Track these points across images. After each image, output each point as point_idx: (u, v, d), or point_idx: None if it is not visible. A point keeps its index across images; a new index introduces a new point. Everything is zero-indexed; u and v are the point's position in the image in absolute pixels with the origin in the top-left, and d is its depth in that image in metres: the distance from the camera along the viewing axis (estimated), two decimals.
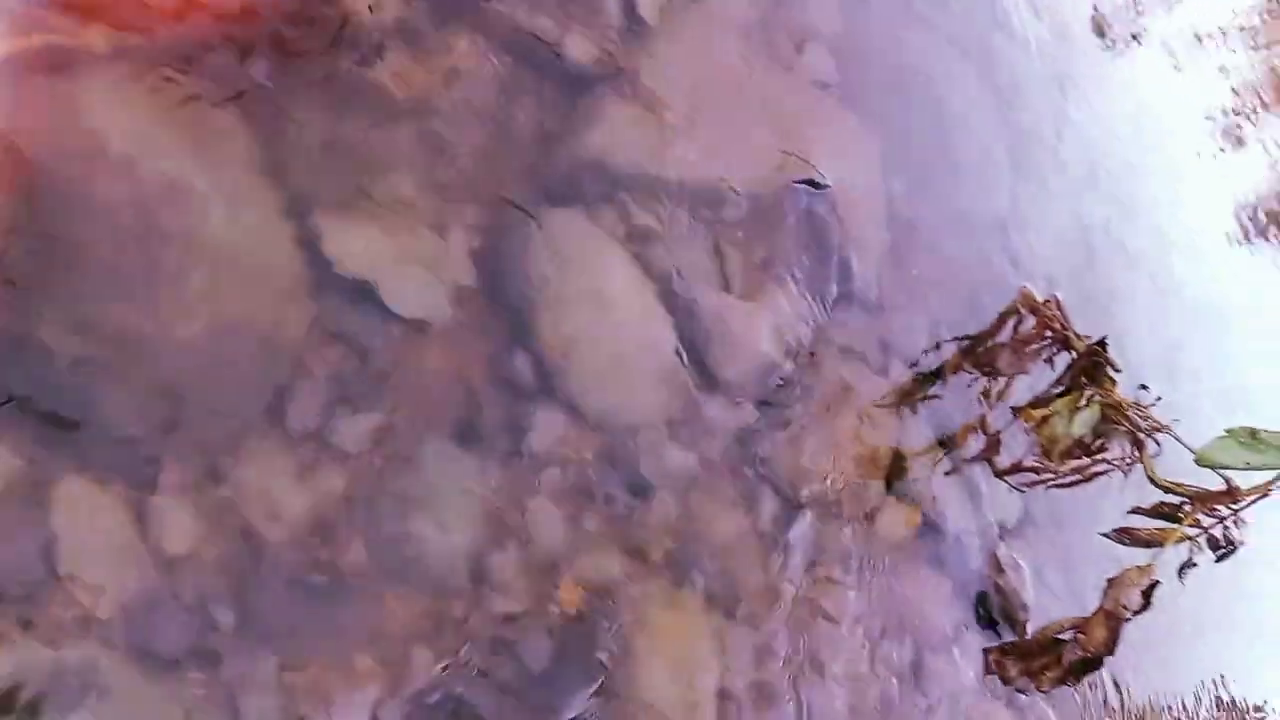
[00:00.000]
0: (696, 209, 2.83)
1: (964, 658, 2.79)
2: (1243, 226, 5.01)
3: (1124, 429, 2.63)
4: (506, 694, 2.22)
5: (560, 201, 2.62)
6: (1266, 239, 5.09)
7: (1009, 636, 2.83)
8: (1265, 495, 2.29)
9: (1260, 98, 5.80)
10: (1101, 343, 2.79)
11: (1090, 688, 3.11)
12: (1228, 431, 2.23)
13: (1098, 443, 2.68)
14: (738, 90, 3.12)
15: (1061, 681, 2.32)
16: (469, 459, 2.36)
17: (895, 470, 2.92)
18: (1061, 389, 2.78)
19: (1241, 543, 2.50)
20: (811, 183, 3.01)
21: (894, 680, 2.66)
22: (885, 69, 3.58)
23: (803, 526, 2.67)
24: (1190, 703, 3.60)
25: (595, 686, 2.29)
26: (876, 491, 2.86)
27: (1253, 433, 2.19)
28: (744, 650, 2.48)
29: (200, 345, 2.18)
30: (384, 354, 2.35)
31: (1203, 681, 3.70)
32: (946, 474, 2.99)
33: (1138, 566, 2.31)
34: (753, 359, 2.73)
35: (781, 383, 2.78)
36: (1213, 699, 3.69)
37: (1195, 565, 2.51)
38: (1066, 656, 2.26)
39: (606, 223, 2.66)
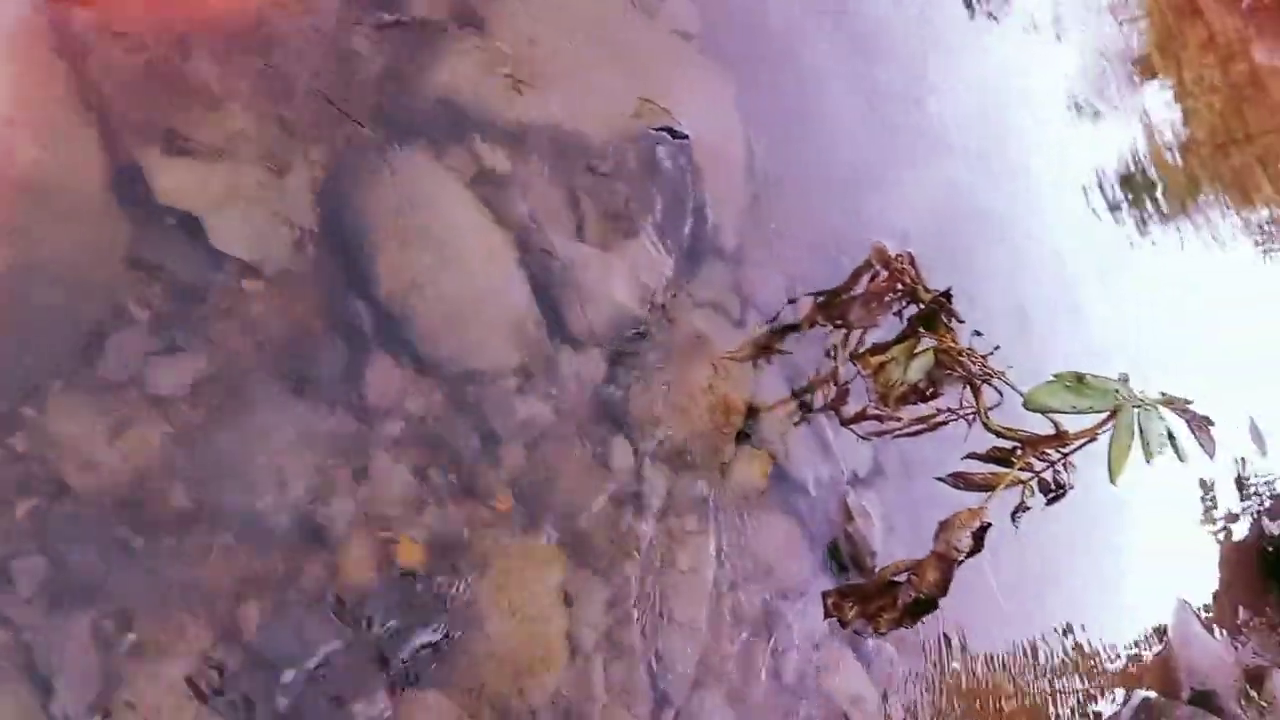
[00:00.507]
0: (552, 155, 2.76)
1: (815, 605, 2.82)
2: (1101, 194, 5.20)
3: (958, 374, 2.68)
4: (345, 650, 2.14)
5: (405, 139, 2.51)
6: (1120, 207, 5.30)
7: None
8: (1093, 440, 2.36)
9: (1119, 71, 6.03)
10: (946, 294, 2.83)
11: (944, 645, 3.20)
12: (1055, 376, 2.29)
13: (932, 389, 2.72)
14: (597, 36, 3.05)
15: (898, 623, 2.36)
16: (303, 408, 2.25)
17: (749, 421, 2.92)
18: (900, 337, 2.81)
19: (1070, 486, 2.58)
20: (670, 131, 2.97)
21: (746, 629, 2.67)
22: (748, 22, 3.56)
23: (656, 477, 2.65)
24: (1043, 650, 3.74)
25: (438, 639, 2.22)
26: (730, 442, 2.86)
27: (1079, 377, 2.25)
28: (595, 601, 2.45)
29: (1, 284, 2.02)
30: (211, 296, 2.22)
31: (1055, 628, 3.85)
32: (796, 424, 3.00)
33: (969, 509, 2.36)
34: (608, 309, 2.69)
35: (637, 333, 2.74)
36: (1067, 645, 3.83)
37: (1028, 509, 2.58)
38: (901, 598, 2.30)
39: (454, 163, 2.57)
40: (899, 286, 2.94)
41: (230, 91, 2.39)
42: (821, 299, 3.23)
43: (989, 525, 2.38)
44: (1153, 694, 3.74)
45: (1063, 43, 5.67)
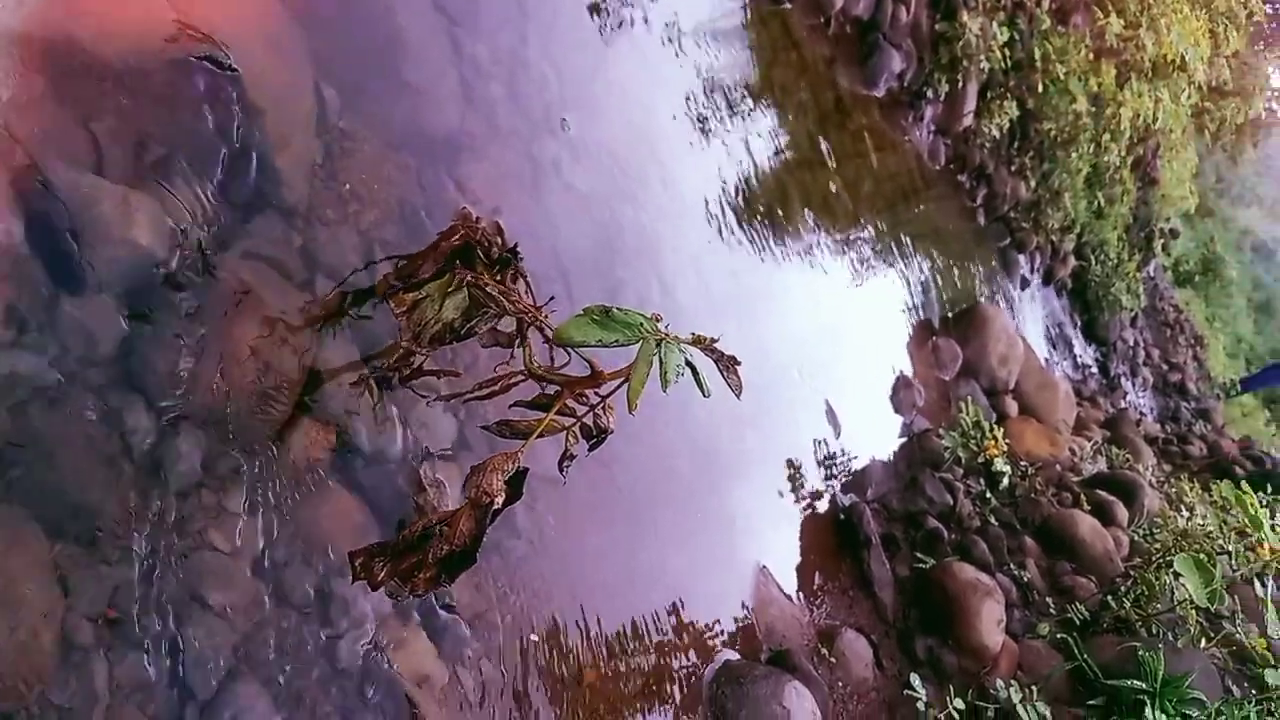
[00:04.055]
0: (59, 71, 2.35)
1: None
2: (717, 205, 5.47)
3: (493, 312, 2.60)
4: None
5: None
6: (727, 214, 5.60)
7: None
8: (627, 380, 2.30)
9: (730, 97, 6.41)
10: (513, 249, 2.74)
11: (528, 618, 3.10)
12: (585, 309, 2.24)
13: (467, 326, 2.62)
14: None
15: (436, 582, 2.20)
16: None
17: (311, 390, 2.66)
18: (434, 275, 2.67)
19: (610, 430, 2.55)
20: (214, 62, 2.64)
21: (294, 612, 2.39)
22: None
23: (186, 446, 2.31)
24: (652, 624, 3.75)
25: None
26: (286, 411, 2.57)
27: (606, 310, 2.22)
28: (96, 586, 2.07)
29: None
30: None
31: (654, 603, 3.88)
32: (365, 394, 2.78)
33: (502, 453, 2.26)
34: (126, 253, 2.31)
35: (165, 283, 2.39)
36: (665, 615, 3.87)
37: (574, 456, 2.53)
38: (433, 553, 2.14)
39: None
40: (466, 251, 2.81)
41: None
42: (400, 264, 3.04)
43: (525, 470, 2.29)
44: (736, 655, 3.88)
45: (682, 58, 5.91)
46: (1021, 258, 14.00)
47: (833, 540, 5.14)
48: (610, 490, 3.63)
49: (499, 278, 2.65)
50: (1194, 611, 4.97)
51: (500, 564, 3.01)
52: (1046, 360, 13.60)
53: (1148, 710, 4.74)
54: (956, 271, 10.59)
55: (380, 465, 2.76)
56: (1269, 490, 9.84)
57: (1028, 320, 13.49)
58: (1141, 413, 17.67)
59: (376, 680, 2.49)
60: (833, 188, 7.82)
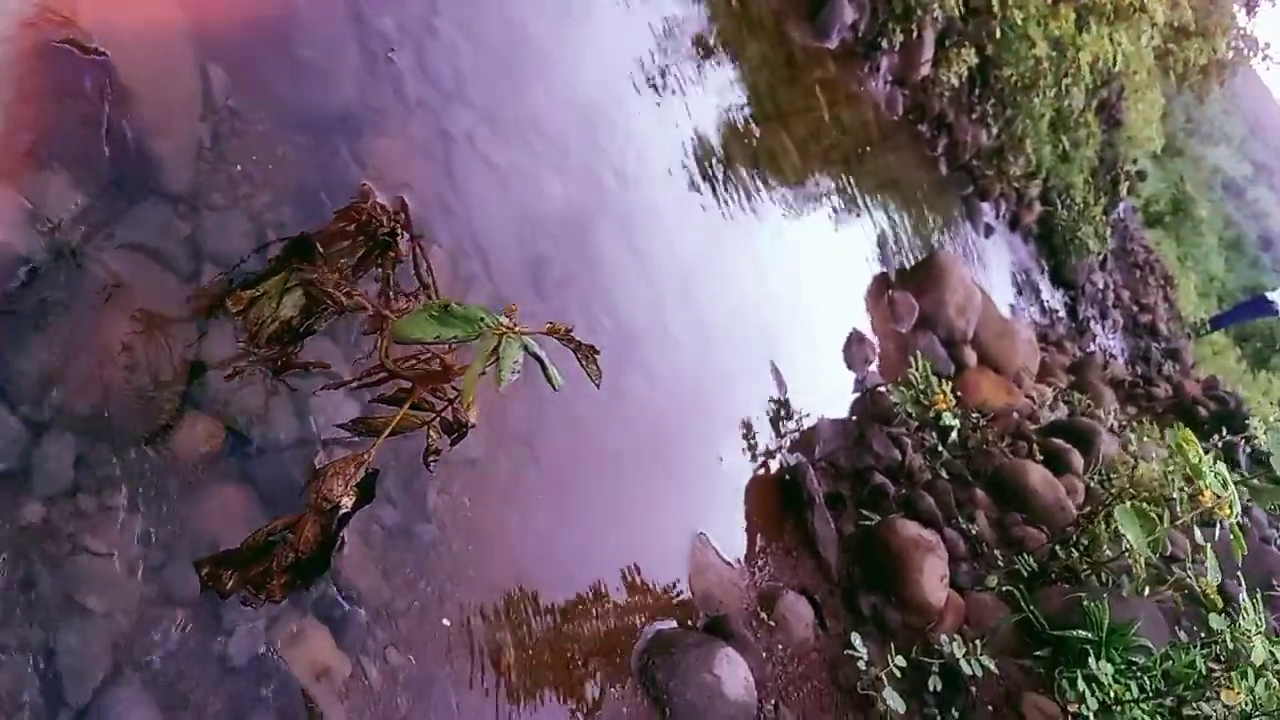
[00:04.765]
0: None
1: None
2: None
3: (331, 309, 2.54)
4: None
5: None
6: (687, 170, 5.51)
7: None
8: (483, 373, 2.24)
9: (669, 56, 6.33)
10: (392, 232, 2.67)
11: (436, 601, 3.08)
12: (424, 305, 2.19)
13: (307, 324, 2.56)
14: None
15: (292, 587, 2.16)
16: None
17: (195, 381, 2.59)
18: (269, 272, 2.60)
19: (470, 424, 2.50)
20: (78, 46, 2.55)
21: (180, 611, 2.35)
22: None
23: (54, 449, 2.25)
24: (581, 599, 3.74)
25: None
26: (168, 404, 2.51)
27: (445, 305, 2.16)
28: None
29: None
30: None
31: (596, 579, 3.86)
32: (235, 378, 2.70)
33: (348, 456, 2.21)
34: None
35: (30, 277, 2.32)
36: (603, 595, 3.86)
37: (439, 451, 2.49)
38: (278, 561, 2.10)
39: None
40: (359, 232, 2.74)
41: None
42: (297, 245, 2.97)
43: (376, 472, 2.24)
44: (670, 624, 3.87)
45: (631, 13, 5.80)
46: (986, 205, 13.96)
47: (778, 501, 5.13)
48: (534, 468, 3.59)
49: (380, 261, 2.58)
50: (1140, 560, 5.00)
51: (408, 550, 2.97)
52: (1012, 307, 13.62)
53: (1091, 659, 4.78)
54: (916, 222, 10.53)
55: (272, 455, 2.71)
56: (1226, 432, 9.93)
57: (993, 267, 13.48)
58: (1112, 355, 17.78)
59: (271, 676, 2.45)
60: (785, 144, 7.74)
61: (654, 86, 5.82)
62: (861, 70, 10.42)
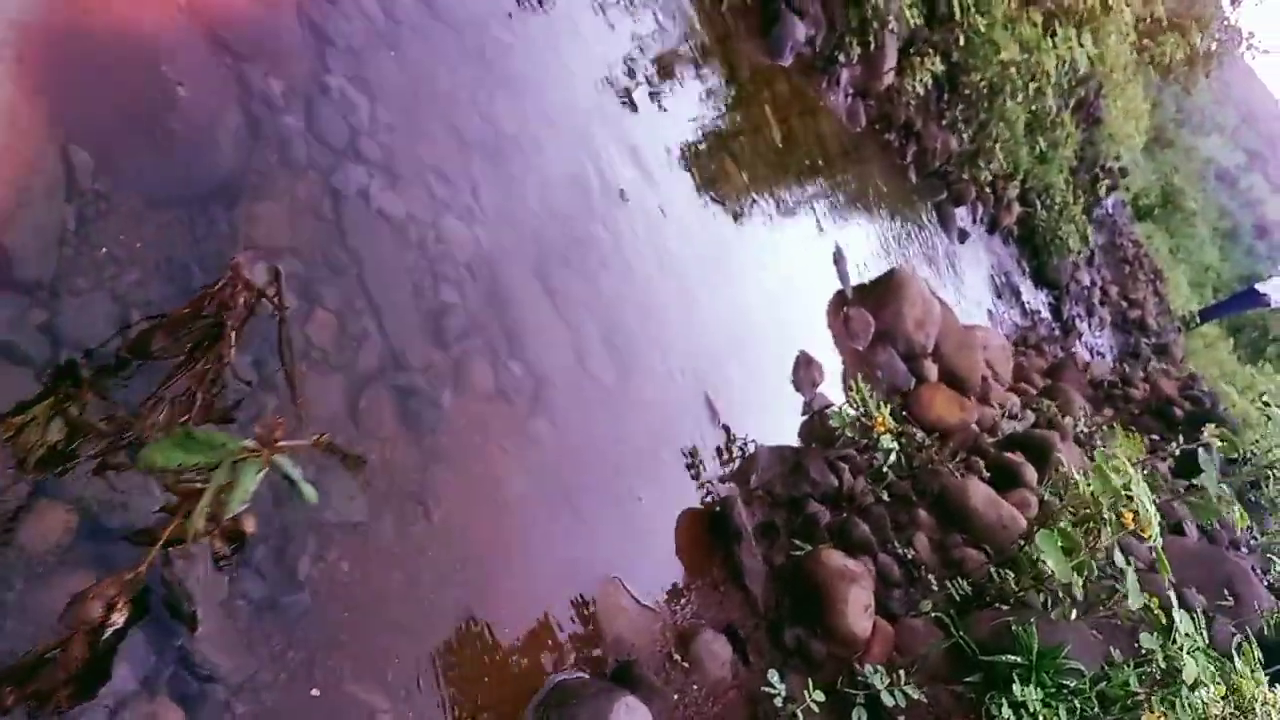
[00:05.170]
0: None
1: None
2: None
3: (95, 434, 2.57)
4: None
5: None
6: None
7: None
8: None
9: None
10: (220, 322, 2.71)
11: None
12: (169, 435, 2.22)
13: (72, 446, 2.59)
14: None
15: (80, 697, 2.19)
16: None
17: (49, 470, 2.63)
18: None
19: (248, 533, 2.54)
20: None
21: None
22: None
23: None
24: (474, 657, 3.77)
25: None
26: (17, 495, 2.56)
27: (188, 433, 2.20)
28: None
29: None
30: None
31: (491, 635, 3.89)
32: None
33: (107, 580, 2.22)
34: None
35: None
36: (499, 650, 3.89)
37: (226, 556, 2.52)
38: (48, 682, 2.13)
39: None
40: (206, 312, 2.78)
41: None
42: (162, 325, 3.02)
43: (147, 588, 2.27)
44: (578, 674, 3.89)
45: (552, 49, 5.85)
46: (960, 211, 13.96)
47: (707, 536, 5.15)
48: (423, 525, 3.62)
49: (207, 355, 2.62)
50: (1069, 583, 5.00)
51: (276, 622, 3.00)
52: (990, 311, 13.62)
53: (1015, 685, 4.79)
54: (882, 234, 10.54)
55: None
56: (1206, 431, 9.86)
57: (969, 272, 13.47)
58: (1099, 353, 17.75)
59: None
60: (729, 168, 7.76)
61: (578, 121, 5.86)
62: (821, 85, 10.44)
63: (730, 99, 8.33)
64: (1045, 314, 16.03)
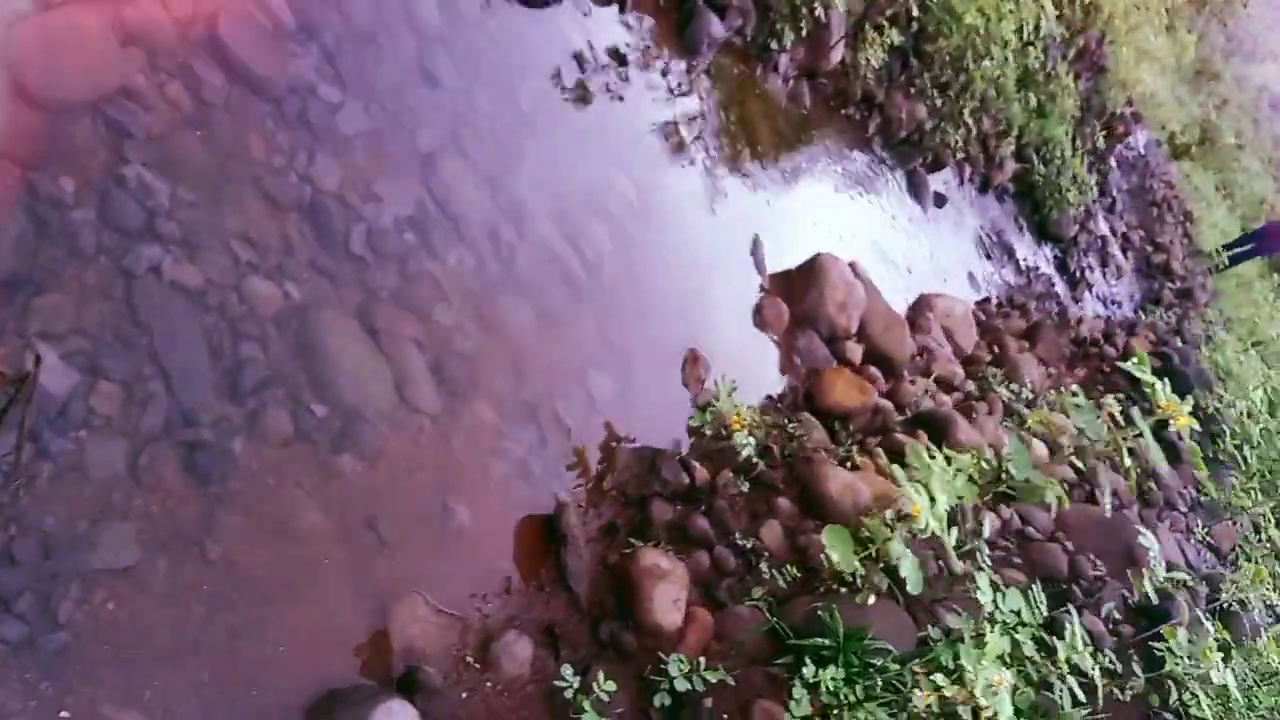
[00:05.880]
0: None
1: None
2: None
3: None
4: None
5: None
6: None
7: None
8: None
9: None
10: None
11: None
12: None
13: None
14: None
15: None
16: None
17: None
18: None
19: None
20: None
21: None
22: None
23: None
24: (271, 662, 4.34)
25: None
26: None
27: None
28: None
29: None
30: None
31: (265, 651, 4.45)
32: None
33: None
34: None
35: None
36: (308, 655, 4.43)
37: None
38: None
39: None
40: None
41: None
42: None
43: None
44: (353, 684, 4.43)
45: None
46: (942, 175, 13.98)
47: (540, 541, 5.64)
48: (198, 564, 4.19)
49: None
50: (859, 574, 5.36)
51: (31, 658, 3.61)
52: (971, 274, 13.66)
53: (807, 666, 5.18)
54: (822, 217, 10.70)
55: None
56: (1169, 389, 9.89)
57: (946, 236, 13.50)
58: (1116, 302, 17.50)
59: None
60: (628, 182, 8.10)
61: (417, 167, 6.24)
62: (756, 72, 10.64)
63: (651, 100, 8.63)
64: (1047, 269, 15.89)
